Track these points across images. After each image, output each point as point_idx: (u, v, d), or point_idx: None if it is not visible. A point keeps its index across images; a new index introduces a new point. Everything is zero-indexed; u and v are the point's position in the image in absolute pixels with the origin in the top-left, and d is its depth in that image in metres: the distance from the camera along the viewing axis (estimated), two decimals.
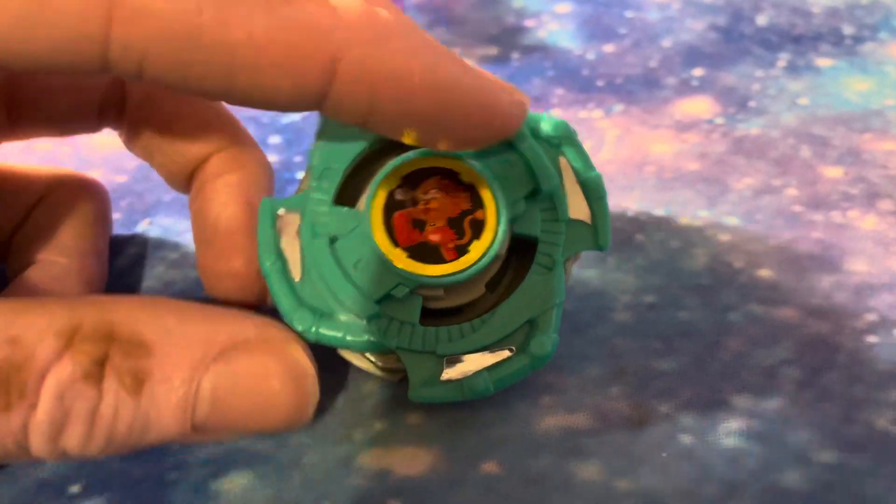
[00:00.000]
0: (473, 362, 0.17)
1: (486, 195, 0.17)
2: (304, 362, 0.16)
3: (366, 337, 0.17)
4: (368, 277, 0.17)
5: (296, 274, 0.18)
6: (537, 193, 0.18)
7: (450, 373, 0.17)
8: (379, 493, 0.17)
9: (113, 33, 0.15)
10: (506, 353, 0.17)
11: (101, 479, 0.18)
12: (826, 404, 0.18)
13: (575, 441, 0.18)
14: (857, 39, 0.32)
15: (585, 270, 0.22)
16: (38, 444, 0.15)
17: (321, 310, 0.17)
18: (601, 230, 0.18)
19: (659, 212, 0.24)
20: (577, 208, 0.18)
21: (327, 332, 0.17)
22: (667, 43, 0.32)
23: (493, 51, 0.33)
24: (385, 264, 0.17)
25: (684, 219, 0.24)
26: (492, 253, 0.17)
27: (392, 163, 0.18)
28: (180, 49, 0.15)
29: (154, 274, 0.23)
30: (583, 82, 0.30)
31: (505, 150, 0.18)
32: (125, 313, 0.16)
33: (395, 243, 0.17)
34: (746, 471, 0.17)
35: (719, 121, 0.28)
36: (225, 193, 0.21)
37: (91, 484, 0.18)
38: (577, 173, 0.18)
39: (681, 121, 0.28)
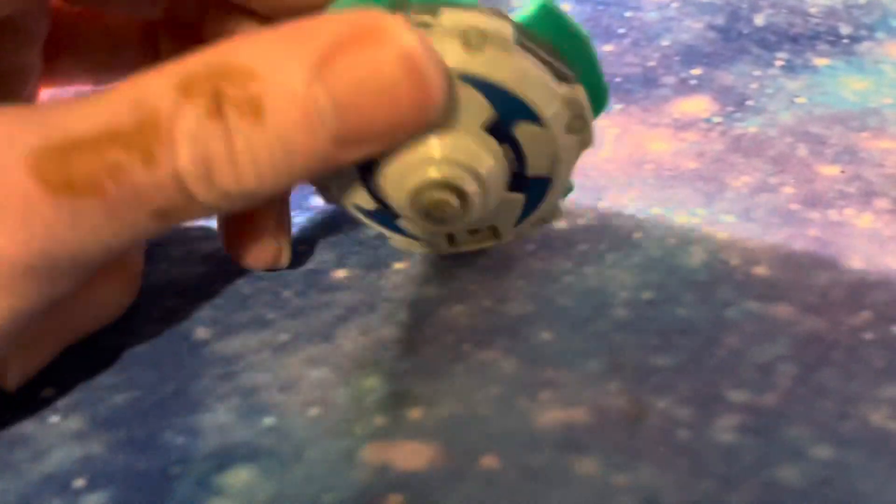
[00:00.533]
0: None
1: None
2: (416, 41, 0.16)
3: None
4: None
5: None
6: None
7: None
8: (380, 487, 0.17)
9: None
10: None
11: (105, 473, 0.18)
12: (822, 400, 0.19)
13: (573, 436, 0.18)
14: (855, 39, 0.32)
15: (584, 267, 0.22)
16: (197, 189, 0.16)
17: None
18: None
19: (657, 209, 0.24)
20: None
21: None
22: (665, 42, 0.32)
23: None
24: None
25: (682, 216, 0.24)
26: None
27: None
28: None
29: (158, 270, 0.24)
30: None
31: None
32: (226, 49, 0.16)
33: None
34: (742, 466, 0.17)
35: (717, 119, 0.28)
36: None
37: (95, 478, 0.18)
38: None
39: (679, 119, 0.28)
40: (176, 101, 0.16)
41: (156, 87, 0.16)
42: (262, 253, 0.22)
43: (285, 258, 0.23)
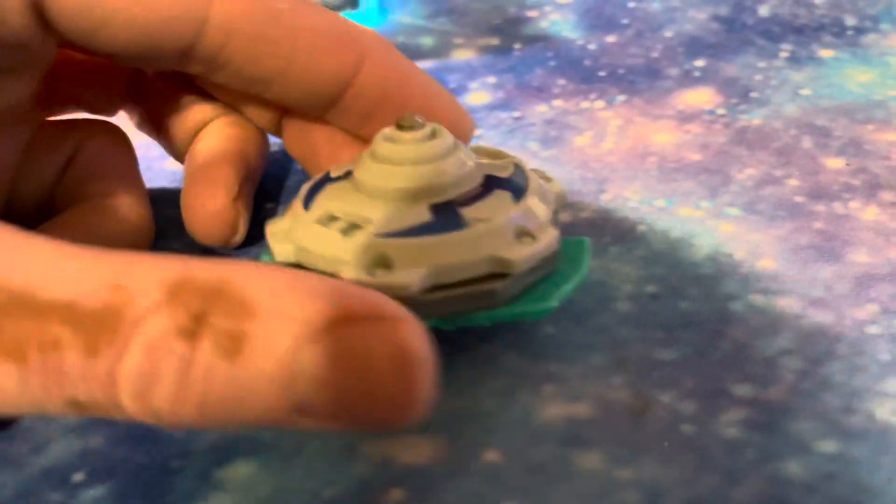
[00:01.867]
0: None
1: None
2: (419, 347, 0.15)
3: None
4: None
5: None
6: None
7: None
8: (381, 482, 0.17)
9: (212, 11, 0.20)
10: None
11: (104, 467, 0.18)
12: (827, 395, 0.18)
13: (576, 430, 0.18)
14: (860, 30, 0.31)
15: None
16: (127, 398, 0.14)
17: None
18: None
19: (660, 202, 0.24)
20: None
21: None
22: (669, 33, 0.32)
23: (495, 41, 0.33)
24: None
25: (686, 209, 0.24)
26: None
27: None
28: (261, 28, 0.20)
29: None
30: (585, 73, 0.30)
31: None
32: (238, 271, 0.15)
33: None
34: (747, 461, 0.17)
35: (721, 111, 0.28)
36: (217, 135, 0.23)
37: (95, 471, 0.18)
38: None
39: (683, 111, 0.28)
40: (156, 301, 0.14)
41: (146, 278, 0.15)
42: (216, 227, 0.23)
43: (239, 236, 0.23)
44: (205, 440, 0.18)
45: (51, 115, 0.23)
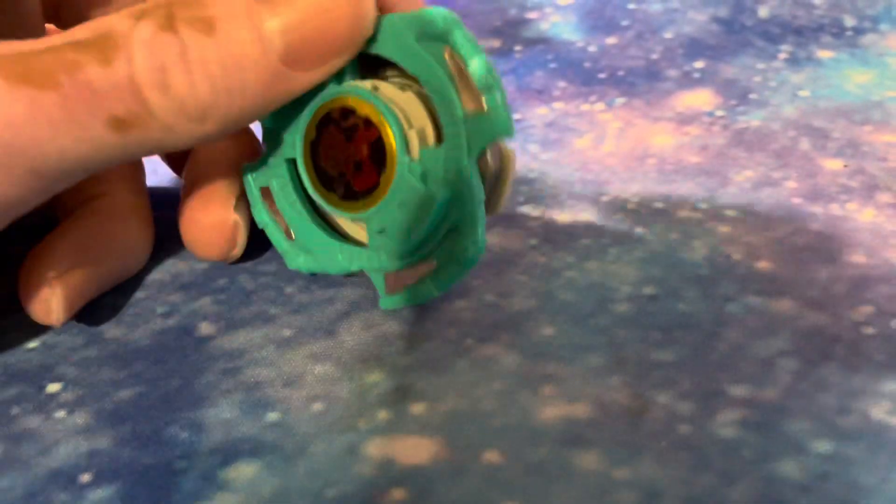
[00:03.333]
0: (414, 274, 0.20)
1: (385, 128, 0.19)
2: None
3: (338, 265, 0.21)
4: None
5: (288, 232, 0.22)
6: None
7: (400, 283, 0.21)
8: (383, 482, 0.18)
9: None
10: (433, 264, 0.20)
11: (110, 468, 0.18)
12: (823, 395, 0.19)
13: (575, 430, 0.18)
14: (859, 31, 0.32)
15: (586, 262, 0.23)
16: (152, 93, 0.17)
17: (308, 248, 0.22)
18: (497, 119, 0.18)
19: (659, 204, 0.24)
20: (473, 99, 0.19)
21: (309, 265, 0.22)
22: (669, 35, 0.32)
23: (495, 43, 0.33)
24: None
25: (684, 211, 0.24)
26: (400, 182, 0.19)
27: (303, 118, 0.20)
28: None
29: (162, 266, 0.24)
30: (585, 75, 0.30)
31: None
32: None
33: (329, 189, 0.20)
34: (743, 460, 0.17)
35: (720, 113, 0.28)
36: (211, 147, 0.23)
37: (101, 473, 0.18)
38: (465, 63, 0.19)
39: (682, 113, 0.28)
40: (131, 23, 0.17)
41: (112, 18, 0.18)
42: (214, 241, 0.22)
43: (238, 249, 0.23)
44: (209, 441, 0.19)
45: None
